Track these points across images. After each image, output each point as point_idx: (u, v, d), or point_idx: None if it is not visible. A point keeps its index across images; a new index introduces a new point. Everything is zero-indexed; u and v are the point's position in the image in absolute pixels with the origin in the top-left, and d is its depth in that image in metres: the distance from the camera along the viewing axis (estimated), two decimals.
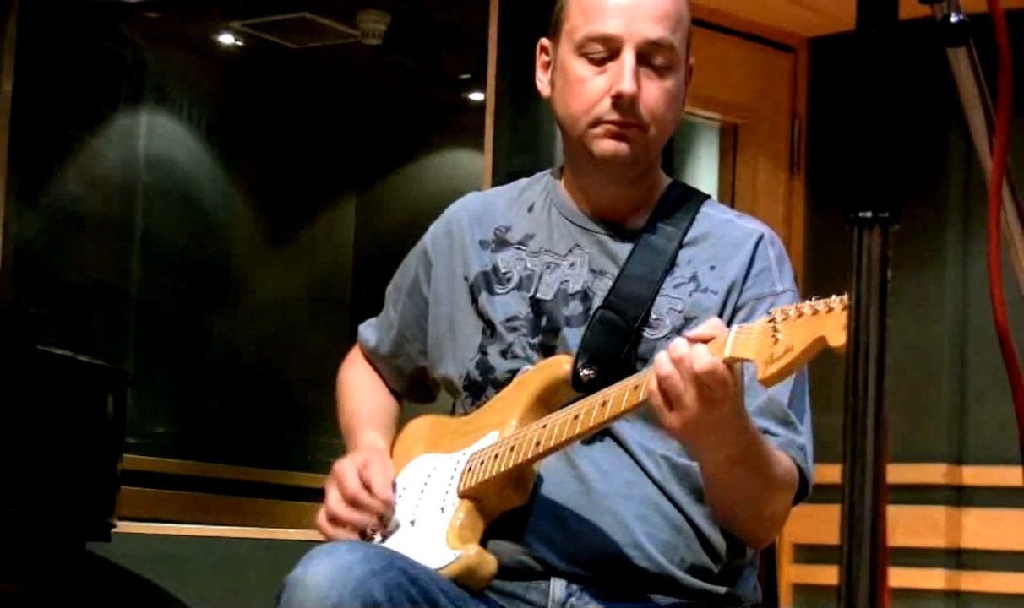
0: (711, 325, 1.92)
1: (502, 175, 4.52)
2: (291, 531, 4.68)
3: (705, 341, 1.89)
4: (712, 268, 2.18)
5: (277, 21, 6.49)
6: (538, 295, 2.21)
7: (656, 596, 2.10)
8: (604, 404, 1.98)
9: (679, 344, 1.90)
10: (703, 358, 1.87)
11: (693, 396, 1.88)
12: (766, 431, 2.09)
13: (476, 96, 5.92)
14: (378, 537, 2.16)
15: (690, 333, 1.93)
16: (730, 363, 1.88)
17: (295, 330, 7.02)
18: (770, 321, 1.83)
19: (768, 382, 1.81)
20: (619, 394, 1.97)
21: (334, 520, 2.18)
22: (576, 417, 2.01)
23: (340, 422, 2.42)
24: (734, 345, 1.86)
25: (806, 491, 2.14)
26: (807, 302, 1.81)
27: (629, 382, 1.98)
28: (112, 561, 4.34)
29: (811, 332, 1.77)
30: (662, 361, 1.90)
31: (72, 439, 3.89)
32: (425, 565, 2.01)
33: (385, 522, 2.16)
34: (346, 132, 7.19)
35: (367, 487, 2.17)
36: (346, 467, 2.21)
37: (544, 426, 2.05)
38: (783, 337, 1.80)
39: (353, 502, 2.17)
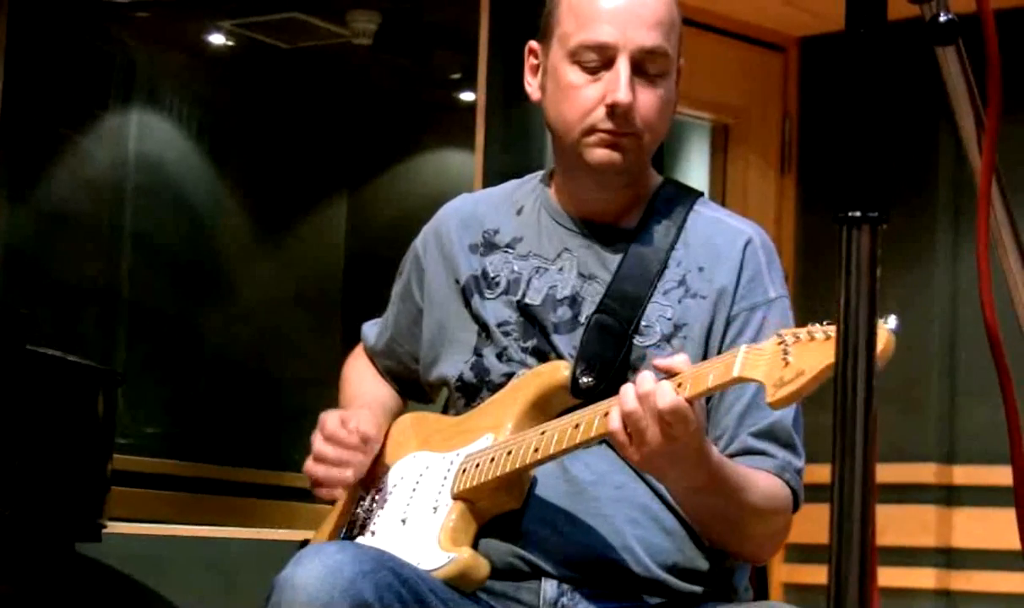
0: (677, 360, 1.94)
1: (493, 175, 4.52)
2: (282, 531, 4.67)
3: (671, 375, 1.90)
4: (701, 270, 2.18)
5: (267, 21, 6.48)
6: (526, 300, 2.20)
7: (647, 597, 2.10)
8: (607, 415, 1.97)
9: (645, 379, 1.91)
10: (667, 396, 1.88)
11: (655, 432, 1.90)
12: (763, 453, 2.10)
13: (467, 96, 5.92)
14: (367, 536, 2.16)
15: (659, 362, 1.94)
16: (692, 400, 1.88)
17: (286, 330, 7.00)
18: (780, 343, 1.82)
19: (777, 405, 1.81)
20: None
21: (320, 459, 2.19)
22: (577, 426, 2.01)
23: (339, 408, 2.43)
24: (743, 365, 1.85)
25: (794, 511, 2.14)
26: (819, 325, 1.80)
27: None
28: (102, 562, 4.33)
29: (823, 357, 1.76)
30: (627, 395, 1.91)
31: (62, 440, 3.89)
32: (416, 566, 2.01)
33: (371, 479, 2.19)
34: (337, 132, 7.18)
35: (346, 424, 2.19)
36: (329, 412, 2.23)
37: (543, 433, 2.04)
38: (794, 361, 1.79)
39: (333, 439, 2.18)
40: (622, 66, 2.12)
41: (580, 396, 2.09)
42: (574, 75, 2.15)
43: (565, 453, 2.03)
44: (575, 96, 2.15)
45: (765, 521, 2.10)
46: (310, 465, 2.21)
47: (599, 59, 2.13)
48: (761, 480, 2.08)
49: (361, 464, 2.18)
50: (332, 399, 2.47)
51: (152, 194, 6.68)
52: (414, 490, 2.17)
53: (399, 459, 2.25)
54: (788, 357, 1.79)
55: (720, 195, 5.45)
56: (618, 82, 2.12)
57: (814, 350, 1.78)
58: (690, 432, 1.90)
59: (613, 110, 2.12)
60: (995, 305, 1.49)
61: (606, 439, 2.08)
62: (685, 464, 1.95)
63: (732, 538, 2.10)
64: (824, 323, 1.79)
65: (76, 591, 4.29)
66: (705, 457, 1.97)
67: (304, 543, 2.22)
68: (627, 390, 1.92)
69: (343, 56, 6.73)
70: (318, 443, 2.20)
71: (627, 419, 1.91)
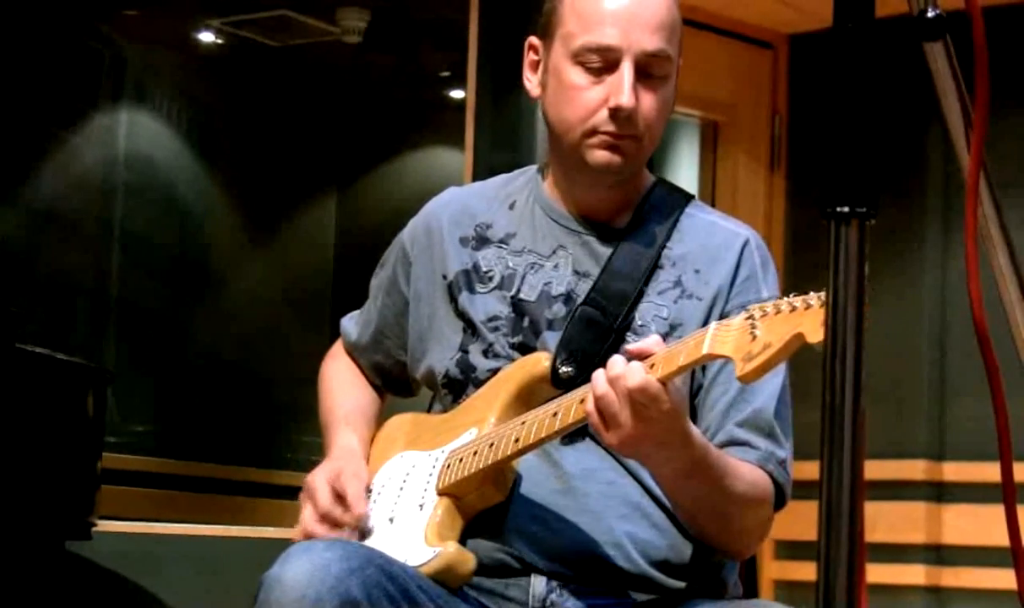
0: (650, 341, 1.94)
1: (482, 172, 4.51)
2: (272, 529, 4.67)
3: (642, 357, 1.90)
4: (697, 272, 2.18)
5: (257, 19, 6.48)
6: (520, 295, 2.20)
7: (636, 594, 2.10)
8: (583, 401, 1.97)
9: (616, 362, 1.91)
10: (636, 375, 1.88)
11: (628, 414, 1.89)
12: (746, 443, 2.10)
13: (456, 93, 5.92)
14: (356, 539, 2.15)
15: (630, 346, 1.94)
16: (664, 380, 1.88)
17: (276, 328, 7.00)
18: (748, 318, 1.82)
19: (746, 379, 1.81)
20: None
21: (310, 538, 2.16)
22: (555, 414, 2.01)
23: (319, 418, 2.42)
24: (712, 342, 1.86)
25: (783, 503, 2.14)
26: (785, 299, 1.81)
27: None
28: (92, 560, 4.33)
29: (789, 329, 1.77)
30: (598, 379, 1.91)
31: (52, 438, 3.88)
32: (404, 562, 2.01)
33: (362, 532, 2.16)
34: (326, 130, 7.18)
35: (341, 498, 2.16)
36: (318, 481, 2.18)
37: (523, 423, 2.05)
38: (761, 334, 1.80)
39: (326, 519, 2.16)
40: (626, 69, 2.12)
41: (561, 387, 2.09)
42: (577, 76, 2.15)
43: (546, 441, 2.03)
44: (577, 97, 2.15)
45: (749, 510, 2.09)
46: (298, 540, 2.15)
47: (602, 61, 2.13)
48: (745, 470, 2.08)
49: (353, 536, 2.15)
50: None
51: (142, 192, 6.67)
52: (401, 490, 2.17)
53: (386, 461, 2.24)
54: (756, 331, 1.80)
55: (710, 192, 5.46)
56: (622, 86, 2.11)
57: (781, 322, 1.78)
58: (664, 412, 1.90)
59: (616, 113, 2.12)
60: (983, 301, 1.49)
61: (591, 432, 2.08)
62: (666, 447, 1.95)
63: (717, 528, 2.10)
64: (792, 295, 1.80)
65: (66, 590, 4.29)
66: (687, 440, 1.96)
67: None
68: (598, 374, 1.92)
69: (333, 54, 6.73)
70: (309, 522, 2.16)
71: (599, 403, 1.91)
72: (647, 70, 2.14)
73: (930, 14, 1.44)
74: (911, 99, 3.96)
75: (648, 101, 2.14)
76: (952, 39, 1.49)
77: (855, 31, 1.25)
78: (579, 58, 2.14)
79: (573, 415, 1.98)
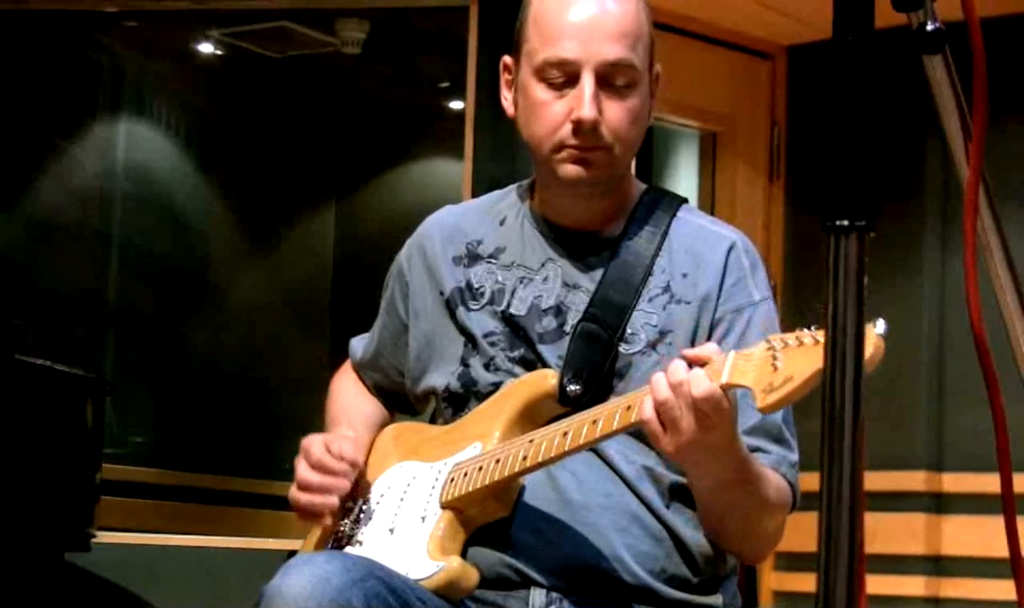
0: (708, 348, 1.93)
1: (481, 183, 4.52)
2: (271, 540, 4.67)
3: (702, 363, 1.89)
4: (684, 276, 2.18)
5: (256, 30, 6.48)
6: (511, 310, 2.20)
7: (636, 605, 2.10)
8: (595, 422, 1.96)
9: (677, 368, 1.89)
10: (702, 384, 1.87)
11: (691, 421, 1.88)
12: (758, 449, 2.10)
13: (455, 104, 5.92)
14: (355, 548, 2.15)
15: (687, 352, 1.93)
16: (726, 388, 1.87)
17: (275, 338, 7.00)
18: (769, 348, 1.81)
19: (766, 410, 1.80)
20: (611, 413, 1.96)
21: (305, 487, 2.18)
22: (566, 434, 2.00)
23: (324, 428, 2.42)
24: (732, 371, 1.85)
25: (793, 506, 2.15)
26: (807, 331, 1.79)
27: (622, 401, 1.97)
28: (91, 571, 4.32)
29: (812, 363, 1.75)
30: (659, 385, 1.90)
31: (51, 449, 3.88)
32: (405, 575, 2.01)
33: (357, 491, 2.18)
34: (326, 140, 7.19)
35: (336, 454, 2.18)
36: (312, 438, 2.22)
37: (531, 441, 2.04)
38: (783, 366, 1.78)
39: (320, 467, 2.17)
40: (586, 82, 2.11)
41: (567, 404, 2.09)
42: (541, 92, 2.15)
43: (554, 461, 2.03)
44: (543, 113, 2.15)
45: (776, 516, 2.11)
46: (294, 493, 2.20)
47: (563, 75, 2.13)
48: (772, 475, 2.09)
49: (344, 490, 2.18)
50: (320, 407, 2.47)
51: (140, 202, 6.68)
52: (402, 500, 2.17)
53: (385, 470, 2.24)
54: (777, 363, 1.79)
55: (709, 202, 5.46)
56: (582, 99, 2.11)
57: (803, 355, 1.77)
58: (725, 420, 1.89)
59: (579, 127, 2.12)
60: (982, 311, 1.49)
61: (595, 448, 2.08)
62: (718, 453, 1.94)
63: (742, 533, 2.10)
64: (812, 328, 1.79)
65: (65, 601, 4.28)
66: (737, 446, 1.97)
67: (291, 554, 2.22)
68: (658, 379, 1.90)
69: (332, 65, 6.74)
70: (303, 471, 2.19)
71: (660, 408, 1.90)
72: (610, 80, 2.13)
73: (930, 27, 1.45)
74: (909, 110, 3.97)
75: (614, 111, 2.13)
76: (951, 50, 1.49)
77: (855, 43, 1.25)
78: (542, 74, 2.14)
79: (584, 437, 1.98)
